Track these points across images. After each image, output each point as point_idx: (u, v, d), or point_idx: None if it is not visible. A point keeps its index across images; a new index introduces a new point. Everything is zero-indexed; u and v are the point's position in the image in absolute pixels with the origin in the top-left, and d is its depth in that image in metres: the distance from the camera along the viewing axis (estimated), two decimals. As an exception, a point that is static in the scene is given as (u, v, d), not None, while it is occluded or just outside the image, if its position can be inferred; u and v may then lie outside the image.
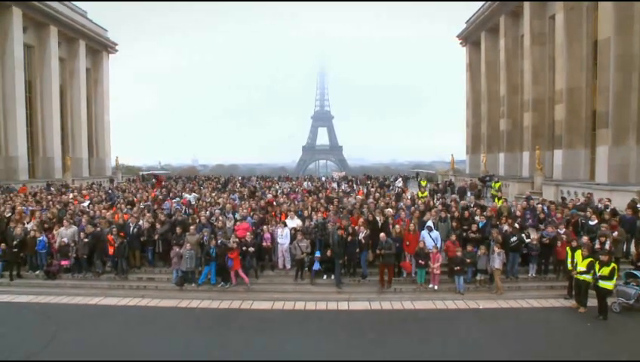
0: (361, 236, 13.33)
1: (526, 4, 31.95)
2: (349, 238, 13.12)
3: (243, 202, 19.54)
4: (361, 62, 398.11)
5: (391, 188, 29.30)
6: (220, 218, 15.31)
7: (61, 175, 37.24)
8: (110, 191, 26.35)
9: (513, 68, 35.58)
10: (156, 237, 14.39)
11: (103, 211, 17.14)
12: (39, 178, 36.14)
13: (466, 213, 15.17)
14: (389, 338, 9.88)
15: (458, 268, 12.62)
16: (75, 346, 9.50)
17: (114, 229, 14.11)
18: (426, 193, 23.90)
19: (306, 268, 13.59)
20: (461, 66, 47.56)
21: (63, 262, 14.22)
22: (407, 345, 9.53)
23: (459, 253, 12.74)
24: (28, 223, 15.57)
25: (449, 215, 14.90)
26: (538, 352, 8.98)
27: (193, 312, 11.70)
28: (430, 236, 13.41)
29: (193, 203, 20.19)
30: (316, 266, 13.38)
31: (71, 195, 23.17)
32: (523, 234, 13.48)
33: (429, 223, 13.91)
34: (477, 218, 14.58)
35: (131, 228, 14.42)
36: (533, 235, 13.63)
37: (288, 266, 14.01)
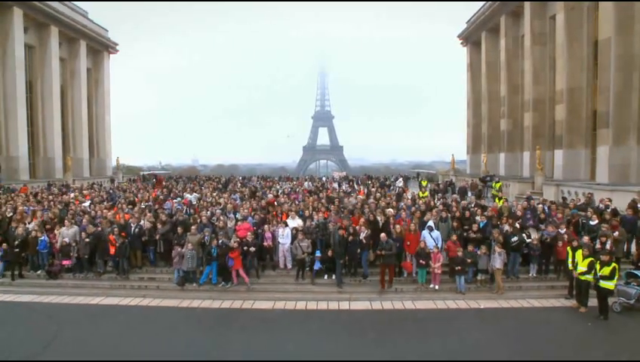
0: (362, 236, 13.35)
1: (526, 4, 31.97)
2: (350, 238, 13.15)
3: (244, 202, 19.57)
4: (362, 62, 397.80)
5: (391, 188, 29.32)
6: (221, 218, 15.33)
7: (62, 175, 37.27)
8: (111, 191, 26.39)
9: (514, 68, 35.60)
10: (157, 237, 14.42)
11: (105, 211, 17.17)
12: (40, 178, 36.17)
13: (467, 213, 15.18)
14: (390, 338, 9.89)
15: (459, 268, 12.64)
16: (77, 346, 9.51)
17: (115, 229, 14.12)
18: (427, 193, 23.95)
19: (307, 268, 13.62)
20: (462, 66, 47.67)
21: (65, 262, 14.26)
22: (408, 344, 9.54)
23: (460, 253, 12.76)
24: (29, 223, 15.60)
25: (450, 215, 14.91)
26: (539, 352, 8.99)
27: (194, 312, 11.72)
28: (431, 236, 13.43)
29: (194, 203, 20.22)
30: (317, 266, 13.41)
31: (72, 195, 23.21)
32: (524, 234, 13.50)
33: (430, 223, 13.92)
34: (478, 218, 14.59)
35: (132, 228, 14.45)
36: (534, 235, 13.64)
37: (289, 266, 14.03)
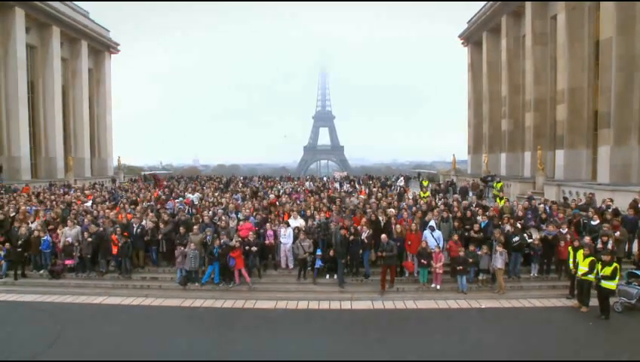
0: (363, 236, 13.38)
1: (528, 4, 31.95)
2: (352, 238, 13.18)
3: (245, 202, 19.60)
4: (362, 62, 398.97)
5: (393, 187, 29.33)
6: (223, 218, 15.37)
7: (63, 175, 37.32)
8: (113, 191, 26.44)
9: (515, 68, 35.58)
10: (160, 236, 14.47)
11: (107, 211, 17.22)
12: (42, 178, 36.24)
13: (468, 213, 15.19)
14: (391, 337, 9.92)
15: (461, 267, 12.67)
16: (80, 345, 9.55)
17: (118, 229, 14.17)
18: (428, 193, 23.94)
19: (309, 268, 13.65)
20: (462, 66, 47.67)
21: (67, 262, 14.31)
22: (410, 344, 9.57)
23: (461, 253, 12.78)
24: (32, 223, 15.65)
25: (451, 215, 14.93)
26: (540, 351, 9.01)
27: (196, 312, 11.76)
28: (432, 236, 13.46)
29: (196, 203, 20.27)
30: (318, 263, 13.45)
31: (74, 195, 23.27)
32: (525, 234, 13.53)
33: (432, 223, 13.96)
34: (479, 218, 14.62)
35: (135, 228, 14.49)
36: (535, 235, 13.66)
37: (291, 266, 14.07)
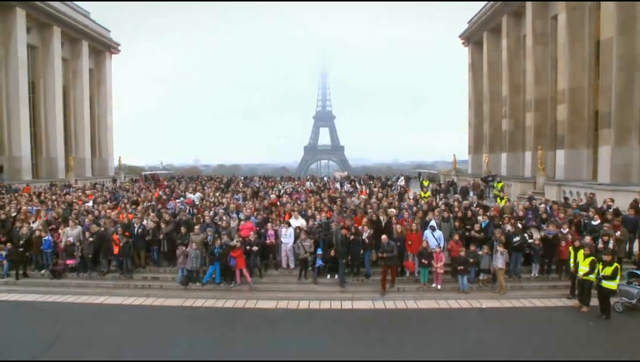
0: (364, 236, 13.39)
1: (528, 4, 31.95)
2: (352, 238, 13.20)
3: (246, 202, 19.62)
4: (362, 62, 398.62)
5: (393, 187, 29.33)
6: (224, 218, 15.39)
7: (64, 175, 37.33)
8: (115, 191, 26.47)
9: (515, 68, 35.58)
10: (161, 236, 14.49)
11: (108, 211, 17.24)
12: (43, 178, 36.26)
13: (469, 213, 15.20)
14: (392, 337, 9.93)
15: (461, 267, 12.69)
16: (81, 345, 9.57)
17: (119, 229, 14.20)
18: (429, 193, 23.93)
19: (310, 268, 13.66)
20: (463, 66, 47.66)
21: (69, 262, 14.34)
22: (411, 344, 9.59)
23: (462, 253, 12.79)
24: (33, 223, 15.68)
25: (452, 215, 14.95)
26: (541, 351, 9.01)
27: (198, 311, 11.78)
28: (433, 236, 13.47)
29: (197, 203, 20.29)
30: (319, 262, 13.46)
31: (74, 195, 23.29)
32: (526, 234, 13.53)
33: (432, 223, 13.96)
34: (480, 218, 14.62)
35: (136, 228, 14.51)
36: (536, 235, 13.67)
37: (292, 266, 14.09)
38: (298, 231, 14.01)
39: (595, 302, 11.01)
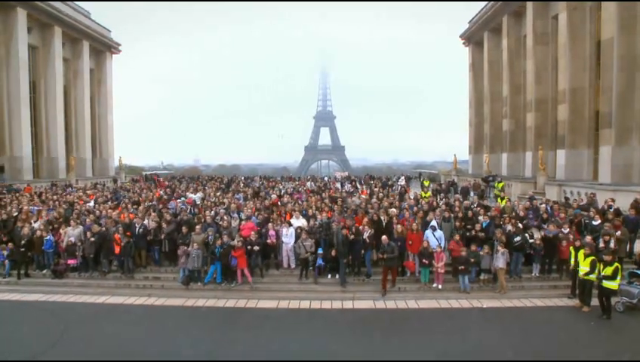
0: (365, 235, 13.41)
1: (529, 4, 31.94)
2: (353, 238, 13.21)
3: (247, 202, 19.64)
4: (363, 62, 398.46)
5: (394, 187, 29.35)
6: (225, 217, 15.41)
7: (65, 175, 37.38)
8: (116, 191, 26.50)
9: (516, 68, 35.59)
10: (162, 236, 14.51)
11: (109, 211, 17.26)
12: (44, 178, 36.32)
13: (470, 213, 15.21)
14: (393, 337, 9.95)
15: (462, 267, 12.69)
16: (82, 345, 9.60)
17: (120, 229, 14.23)
18: (429, 193, 23.94)
19: (311, 268, 13.68)
20: (463, 66, 47.68)
21: (70, 262, 14.37)
22: (412, 343, 9.60)
23: (463, 253, 12.80)
24: (35, 223, 15.71)
25: (452, 215, 14.96)
26: (541, 351, 9.03)
27: (199, 311, 11.80)
28: (434, 236, 13.48)
29: (198, 203, 20.31)
30: (319, 261, 13.48)
31: (75, 195, 23.32)
32: (526, 234, 13.54)
33: (433, 223, 13.97)
34: (480, 218, 14.63)
35: (137, 228, 14.53)
36: (537, 235, 13.68)
37: (293, 265, 14.10)
38: (299, 231, 14.03)
39: (595, 301, 11.02)
